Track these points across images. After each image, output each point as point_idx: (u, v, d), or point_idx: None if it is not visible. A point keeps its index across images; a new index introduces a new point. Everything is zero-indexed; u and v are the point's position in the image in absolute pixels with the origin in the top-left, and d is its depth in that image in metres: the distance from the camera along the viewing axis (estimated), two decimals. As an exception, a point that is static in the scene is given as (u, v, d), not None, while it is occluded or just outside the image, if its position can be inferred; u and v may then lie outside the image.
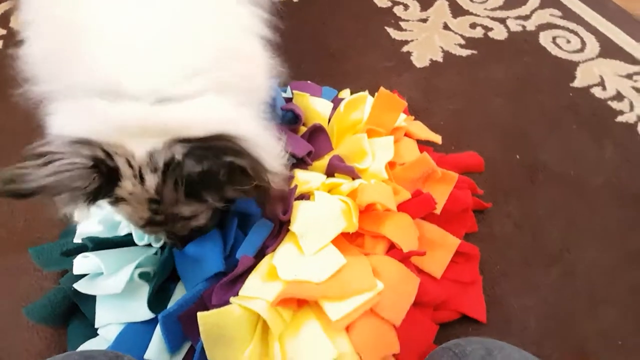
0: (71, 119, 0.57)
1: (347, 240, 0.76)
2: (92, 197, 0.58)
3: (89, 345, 0.67)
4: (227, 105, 0.60)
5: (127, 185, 0.58)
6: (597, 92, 1.14)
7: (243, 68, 0.65)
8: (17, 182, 0.51)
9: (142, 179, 0.58)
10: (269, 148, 0.63)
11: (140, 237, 0.73)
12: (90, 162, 0.54)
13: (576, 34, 1.29)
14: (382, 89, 0.88)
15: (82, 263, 0.68)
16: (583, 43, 1.27)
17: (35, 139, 0.56)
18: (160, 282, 0.69)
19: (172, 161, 0.56)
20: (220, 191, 0.61)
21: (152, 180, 0.58)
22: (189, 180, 0.57)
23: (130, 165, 0.57)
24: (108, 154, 0.56)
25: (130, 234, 0.74)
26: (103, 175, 0.56)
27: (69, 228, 0.81)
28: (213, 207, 0.64)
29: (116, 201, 0.61)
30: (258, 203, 0.74)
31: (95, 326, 0.67)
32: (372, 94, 0.93)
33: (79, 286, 0.67)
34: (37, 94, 0.61)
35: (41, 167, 0.52)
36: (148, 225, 0.64)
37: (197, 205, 0.63)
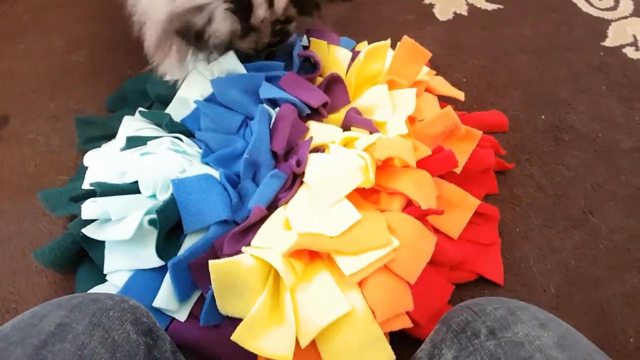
0: None
1: (361, 196, 0.73)
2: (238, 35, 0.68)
3: (96, 291, 0.66)
4: None
5: (260, 14, 0.67)
6: (629, 52, 1.08)
7: None
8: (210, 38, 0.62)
9: (271, 3, 0.67)
10: None
11: (146, 187, 0.70)
12: (230, 3, 0.63)
13: (609, -10, 1.22)
14: (405, 37, 0.83)
15: (90, 208, 0.65)
16: (616, 0, 1.20)
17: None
18: (167, 228, 0.67)
19: None
20: None
21: (280, 2, 0.66)
22: None
23: None
24: None
25: (137, 182, 0.71)
26: (240, 13, 0.65)
27: (78, 174, 0.79)
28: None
29: (248, 32, 0.69)
30: None
31: (104, 272, 0.66)
32: (392, 47, 0.88)
33: (88, 231, 0.65)
34: None
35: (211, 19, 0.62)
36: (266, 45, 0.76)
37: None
